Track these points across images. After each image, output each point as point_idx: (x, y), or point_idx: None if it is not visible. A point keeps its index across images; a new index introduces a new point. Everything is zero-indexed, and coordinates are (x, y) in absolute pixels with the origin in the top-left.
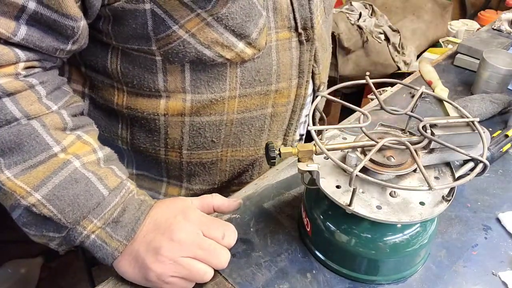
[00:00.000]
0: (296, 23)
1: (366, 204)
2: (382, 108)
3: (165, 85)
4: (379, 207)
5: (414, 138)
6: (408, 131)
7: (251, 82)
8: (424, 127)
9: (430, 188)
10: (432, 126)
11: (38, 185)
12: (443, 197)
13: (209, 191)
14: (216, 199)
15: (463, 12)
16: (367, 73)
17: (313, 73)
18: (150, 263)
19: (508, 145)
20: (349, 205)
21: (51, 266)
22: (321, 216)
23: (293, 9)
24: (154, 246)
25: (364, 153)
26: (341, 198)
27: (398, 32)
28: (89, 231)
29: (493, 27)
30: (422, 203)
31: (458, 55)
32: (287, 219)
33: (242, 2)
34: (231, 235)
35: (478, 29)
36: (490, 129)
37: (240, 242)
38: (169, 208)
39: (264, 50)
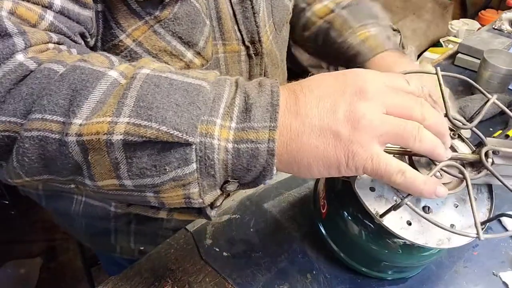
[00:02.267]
0: (242, 35)
1: (397, 216)
2: (446, 115)
3: None
4: (409, 223)
5: (470, 156)
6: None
7: None
8: (486, 154)
9: (479, 237)
10: (494, 152)
11: (117, 109)
12: (475, 223)
13: None
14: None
15: (464, 12)
16: (438, 67)
17: None
18: (346, 133)
19: None
20: (381, 216)
21: (51, 266)
22: (340, 201)
23: (236, 21)
24: (333, 108)
25: (411, 158)
26: (373, 204)
27: (399, 31)
28: (220, 138)
29: (493, 26)
30: (453, 226)
31: (459, 55)
32: (287, 219)
33: (187, 7)
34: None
35: (478, 29)
36: (491, 129)
37: (240, 242)
38: (313, 77)
39: (212, 61)
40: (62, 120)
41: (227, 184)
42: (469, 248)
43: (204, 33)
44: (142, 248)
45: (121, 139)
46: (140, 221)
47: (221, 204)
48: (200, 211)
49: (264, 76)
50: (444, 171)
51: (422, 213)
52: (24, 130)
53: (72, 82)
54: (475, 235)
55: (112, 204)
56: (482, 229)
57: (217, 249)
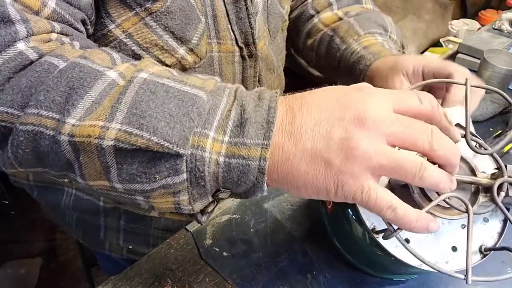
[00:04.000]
0: (235, 36)
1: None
2: (465, 138)
3: None
4: (407, 241)
5: (484, 181)
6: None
7: None
8: (501, 185)
9: (467, 280)
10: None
11: (110, 113)
12: (480, 248)
13: None
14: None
15: (464, 12)
16: (468, 78)
17: None
18: (338, 162)
19: (510, 145)
20: (377, 232)
21: (51, 266)
22: (345, 203)
23: (229, 20)
24: (328, 135)
25: None
26: (371, 218)
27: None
28: (212, 151)
29: (494, 26)
30: (454, 249)
31: (459, 55)
32: (287, 219)
33: (181, 2)
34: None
35: (478, 29)
36: (491, 129)
37: (240, 242)
38: (316, 93)
39: (206, 60)
40: (57, 117)
41: (219, 192)
42: None
43: (198, 30)
44: (130, 247)
45: (111, 144)
46: (130, 218)
47: (212, 210)
48: (191, 214)
49: (258, 79)
50: (447, 202)
51: (407, 245)
52: (19, 123)
53: (70, 80)
54: (463, 278)
55: (101, 198)
56: (486, 255)
57: (217, 249)
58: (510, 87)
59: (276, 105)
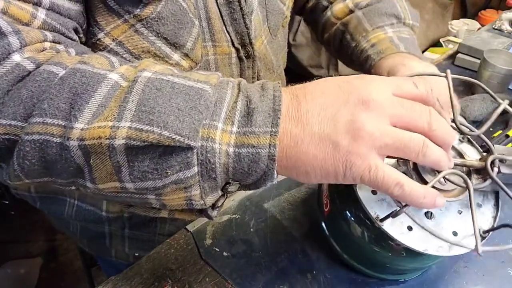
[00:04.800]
0: (230, 37)
1: (398, 221)
2: (453, 121)
3: None
4: (410, 228)
5: (476, 163)
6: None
7: None
8: (493, 162)
9: (477, 251)
10: (501, 160)
11: (119, 113)
12: (479, 232)
13: None
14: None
15: (464, 12)
16: (448, 70)
17: None
18: (345, 143)
19: (509, 145)
20: (381, 220)
21: (51, 266)
22: (342, 202)
23: (223, 22)
24: (334, 118)
25: (415, 163)
26: (374, 208)
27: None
28: (221, 142)
29: (493, 26)
30: (455, 233)
31: (459, 55)
32: (287, 219)
33: (172, 7)
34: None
35: (478, 29)
36: (491, 129)
37: (240, 242)
38: (318, 83)
39: (202, 64)
40: (63, 124)
41: (228, 185)
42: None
43: (192, 34)
44: (137, 254)
45: (123, 143)
46: (134, 226)
47: (222, 204)
48: (201, 211)
49: (257, 80)
50: (447, 179)
51: (420, 222)
52: (24, 133)
53: (72, 86)
54: (473, 248)
55: (103, 208)
56: (485, 237)
57: (217, 249)
58: (510, 87)
59: (281, 94)
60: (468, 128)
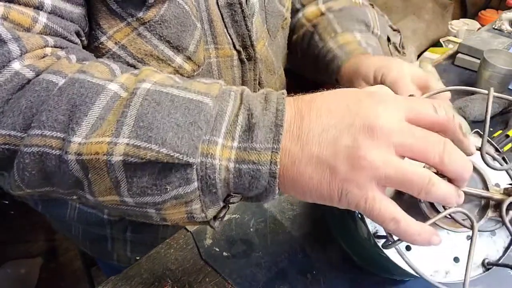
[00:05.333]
0: (232, 39)
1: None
2: (481, 152)
3: None
4: (408, 248)
5: (495, 195)
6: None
7: None
8: (510, 204)
9: None
10: None
11: (117, 128)
12: (483, 262)
13: None
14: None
15: (464, 12)
16: (491, 88)
17: None
18: (343, 170)
19: (509, 145)
20: (378, 237)
21: (51, 266)
22: None
23: (225, 24)
24: (335, 141)
25: None
26: (374, 222)
27: (399, 31)
28: (221, 158)
29: (493, 26)
30: (456, 259)
31: (459, 55)
32: (287, 219)
33: (175, 10)
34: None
35: (478, 29)
36: (491, 129)
37: (240, 242)
38: (326, 98)
39: (204, 67)
40: (62, 136)
41: (230, 197)
42: None
43: (194, 36)
44: (138, 258)
45: (120, 159)
46: (136, 229)
47: (224, 215)
48: (204, 221)
49: (259, 82)
50: (451, 217)
51: (404, 256)
52: (23, 145)
53: (71, 97)
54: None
55: (105, 211)
56: (488, 269)
57: (217, 249)
58: (510, 87)
59: (284, 107)
60: (495, 158)
